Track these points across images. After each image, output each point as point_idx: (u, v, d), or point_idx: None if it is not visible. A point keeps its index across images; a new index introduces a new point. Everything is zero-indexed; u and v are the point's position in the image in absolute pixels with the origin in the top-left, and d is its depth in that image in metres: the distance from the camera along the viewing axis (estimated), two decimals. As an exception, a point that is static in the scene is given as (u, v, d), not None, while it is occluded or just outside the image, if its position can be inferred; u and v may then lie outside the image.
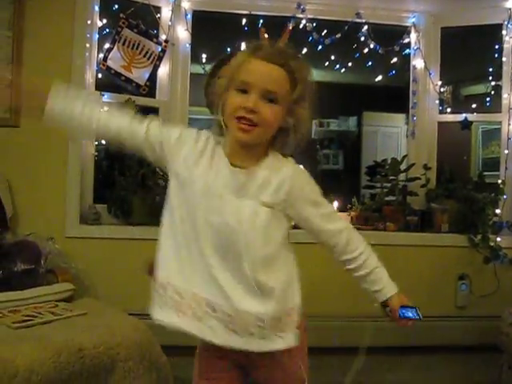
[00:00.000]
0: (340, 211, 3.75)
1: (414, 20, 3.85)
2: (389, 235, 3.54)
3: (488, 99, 3.94)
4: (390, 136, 6.23)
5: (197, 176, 1.41)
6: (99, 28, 3.49)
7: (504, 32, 3.73)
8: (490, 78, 3.90)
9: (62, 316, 2.40)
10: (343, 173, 6.47)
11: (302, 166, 1.51)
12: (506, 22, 3.71)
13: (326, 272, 3.44)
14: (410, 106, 3.89)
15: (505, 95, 3.72)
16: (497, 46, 3.79)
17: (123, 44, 3.49)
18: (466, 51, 4.05)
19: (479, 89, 4.05)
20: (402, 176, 3.83)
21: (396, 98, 4.20)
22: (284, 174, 1.44)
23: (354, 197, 3.83)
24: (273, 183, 1.42)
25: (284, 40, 1.83)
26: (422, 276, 3.55)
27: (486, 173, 3.97)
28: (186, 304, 1.39)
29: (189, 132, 1.49)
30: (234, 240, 1.37)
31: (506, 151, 3.67)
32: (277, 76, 1.39)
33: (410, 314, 1.54)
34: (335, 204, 3.72)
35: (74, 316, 2.42)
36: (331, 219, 1.50)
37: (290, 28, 1.83)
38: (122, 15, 3.47)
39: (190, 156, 1.44)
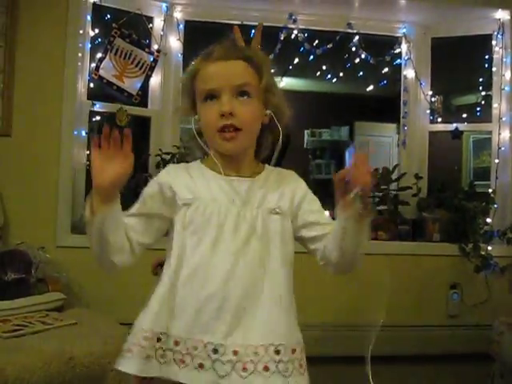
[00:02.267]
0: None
1: (404, 30, 3.88)
2: (380, 244, 3.54)
3: (478, 109, 3.97)
4: (382, 145, 6.25)
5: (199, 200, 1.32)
6: (91, 37, 3.49)
7: (494, 42, 3.76)
8: (481, 87, 3.94)
9: (53, 326, 2.39)
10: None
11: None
12: (495, 33, 3.74)
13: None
14: (401, 116, 3.91)
15: (495, 105, 3.74)
16: (487, 57, 3.82)
17: (115, 54, 3.49)
18: (457, 61, 4.08)
19: (470, 99, 4.08)
20: (393, 185, 3.83)
21: (387, 107, 4.22)
22: (284, 180, 1.40)
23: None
24: (275, 190, 1.36)
25: (257, 37, 1.79)
26: (413, 285, 3.55)
27: (477, 182, 4.00)
28: None
29: (162, 175, 1.39)
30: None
31: (497, 160, 3.69)
32: (240, 69, 1.32)
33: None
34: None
35: (64, 325, 2.42)
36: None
37: (262, 25, 1.81)
38: (114, 25, 3.48)
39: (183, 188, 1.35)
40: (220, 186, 1.33)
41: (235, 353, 1.22)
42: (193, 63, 1.39)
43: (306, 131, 6.45)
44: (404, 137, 3.88)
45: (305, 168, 6.42)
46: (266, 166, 1.43)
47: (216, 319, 1.23)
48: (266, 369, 1.22)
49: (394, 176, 3.80)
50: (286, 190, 1.37)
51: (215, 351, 1.22)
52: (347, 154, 1.38)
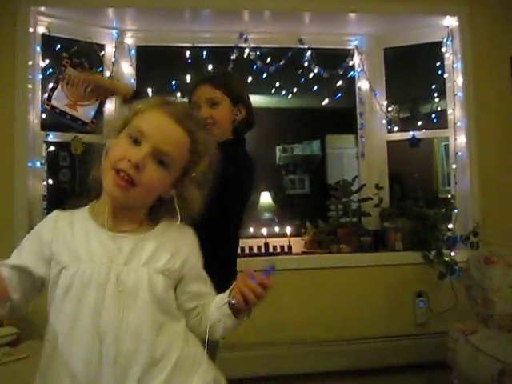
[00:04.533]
0: (293, 236, 3.76)
1: (356, 43, 3.90)
2: (343, 257, 3.53)
3: (435, 115, 3.98)
4: (352, 157, 6.23)
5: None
6: (42, 68, 3.49)
7: (444, 49, 3.79)
8: (435, 94, 3.95)
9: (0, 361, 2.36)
10: (310, 197, 6.45)
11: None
12: (445, 40, 3.77)
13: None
14: (358, 127, 3.92)
15: (449, 111, 3.76)
16: (438, 64, 3.84)
17: (67, 83, 3.49)
18: (411, 70, 4.10)
19: (426, 106, 4.10)
20: (357, 197, 3.82)
21: (346, 119, 4.21)
22: (179, 239, 1.32)
23: (307, 221, 3.83)
24: (167, 249, 1.29)
25: None
26: (379, 296, 3.54)
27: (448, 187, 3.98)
28: None
29: (44, 230, 1.32)
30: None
31: (454, 166, 3.70)
32: (177, 138, 1.25)
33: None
34: (288, 230, 3.74)
35: (13, 361, 2.39)
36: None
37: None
38: (64, 54, 3.49)
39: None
40: (102, 243, 1.25)
41: None
42: (147, 100, 1.33)
43: (277, 147, 6.44)
44: (362, 148, 3.89)
45: (278, 184, 6.41)
46: (163, 222, 1.35)
47: None
48: None
49: (356, 187, 3.79)
50: (179, 252, 1.30)
51: None
52: (266, 271, 1.27)
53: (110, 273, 1.21)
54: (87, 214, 1.31)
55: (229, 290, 1.30)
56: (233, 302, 1.26)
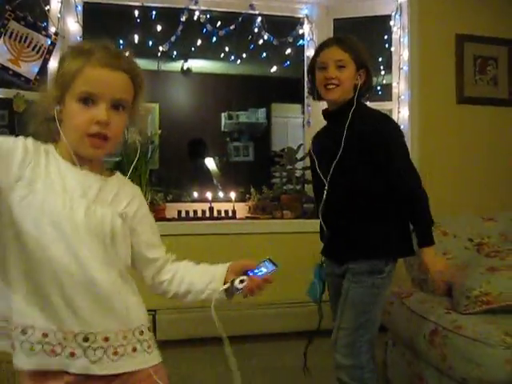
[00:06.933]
0: (238, 201, 3.80)
1: (306, 11, 3.92)
2: (285, 223, 3.60)
3: (380, 88, 4.07)
4: (298, 127, 6.31)
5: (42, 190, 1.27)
6: (-17, 21, 3.36)
7: (392, 23, 3.86)
8: (381, 67, 4.03)
9: None
10: (254, 164, 6.50)
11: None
12: (393, 13, 3.84)
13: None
14: (306, 96, 3.96)
15: (394, 84, 3.85)
16: (386, 37, 3.92)
17: (10, 37, 3.37)
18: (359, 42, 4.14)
19: (373, 78, 4.17)
20: (301, 165, 3.88)
21: (293, 89, 4.25)
22: (133, 191, 1.45)
23: (251, 187, 3.87)
24: (125, 196, 1.41)
25: None
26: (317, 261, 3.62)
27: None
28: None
29: (30, 148, 1.29)
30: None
31: (396, 138, 3.79)
32: (124, 84, 1.34)
33: (264, 270, 1.43)
34: (232, 195, 3.78)
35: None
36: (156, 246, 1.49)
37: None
38: (7, 7, 3.36)
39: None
40: (75, 178, 1.32)
41: (106, 339, 1.28)
42: (70, 59, 1.33)
43: (223, 114, 6.44)
44: (308, 117, 3.94)
45: (222, 151, 6.43)
46: (117, 172, 1.47)
47: (79, 310, 1.26)
48: (134, 350, 1.32)
49: (300, 155, 3.85)
50: (134, 200, 1.43)
51: (86, 339, 1.26)
52: (267, 264, 1.35)
53: (80, 205, 1.28)
54: (56, 153, 1.34)
55: (222, 273, 1.47)
56: (239, 290, 1.43)
